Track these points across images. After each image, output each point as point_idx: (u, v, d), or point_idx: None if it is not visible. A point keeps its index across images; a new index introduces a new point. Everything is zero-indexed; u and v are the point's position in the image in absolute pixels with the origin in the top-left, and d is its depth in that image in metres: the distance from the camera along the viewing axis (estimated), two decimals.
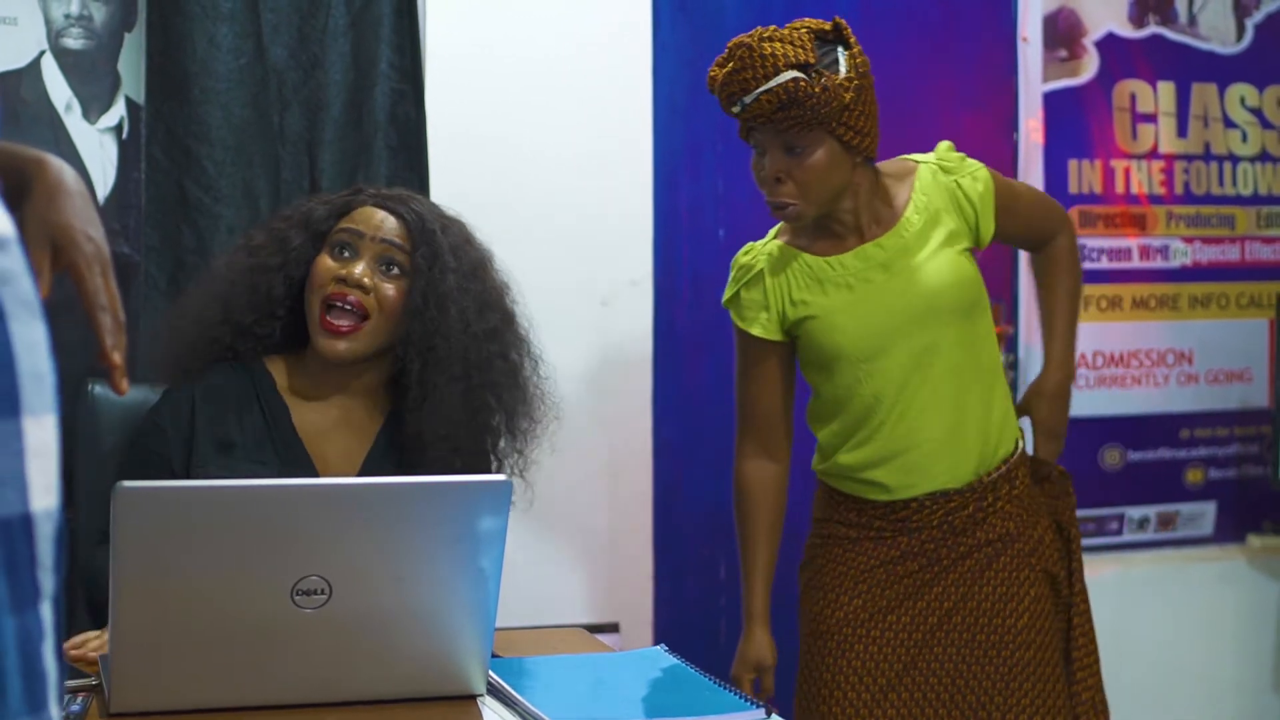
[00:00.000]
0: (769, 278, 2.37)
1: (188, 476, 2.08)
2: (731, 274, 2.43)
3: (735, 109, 2.27)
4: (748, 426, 2.50)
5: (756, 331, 2.39)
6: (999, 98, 3.31)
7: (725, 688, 1.74)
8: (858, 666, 2.36)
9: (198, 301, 2.21)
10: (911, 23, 3.47)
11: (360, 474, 2.15)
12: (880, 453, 2.36)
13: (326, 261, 2.14)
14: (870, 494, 2.40)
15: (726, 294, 2.43)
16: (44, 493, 0.85)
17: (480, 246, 2.25)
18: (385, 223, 2.16)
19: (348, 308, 2.11)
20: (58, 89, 2.76)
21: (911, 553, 2.38)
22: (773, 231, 2.44)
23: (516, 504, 2.23)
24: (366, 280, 2.11)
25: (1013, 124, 3.50)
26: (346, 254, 2.14)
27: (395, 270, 2.14)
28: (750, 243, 2.45)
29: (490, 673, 1.73)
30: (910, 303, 2.32)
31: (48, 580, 0.85)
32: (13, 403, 0.83)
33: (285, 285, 2.16)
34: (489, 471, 2.20)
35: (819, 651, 2.40)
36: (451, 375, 2.12)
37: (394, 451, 2.18)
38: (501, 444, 2.21)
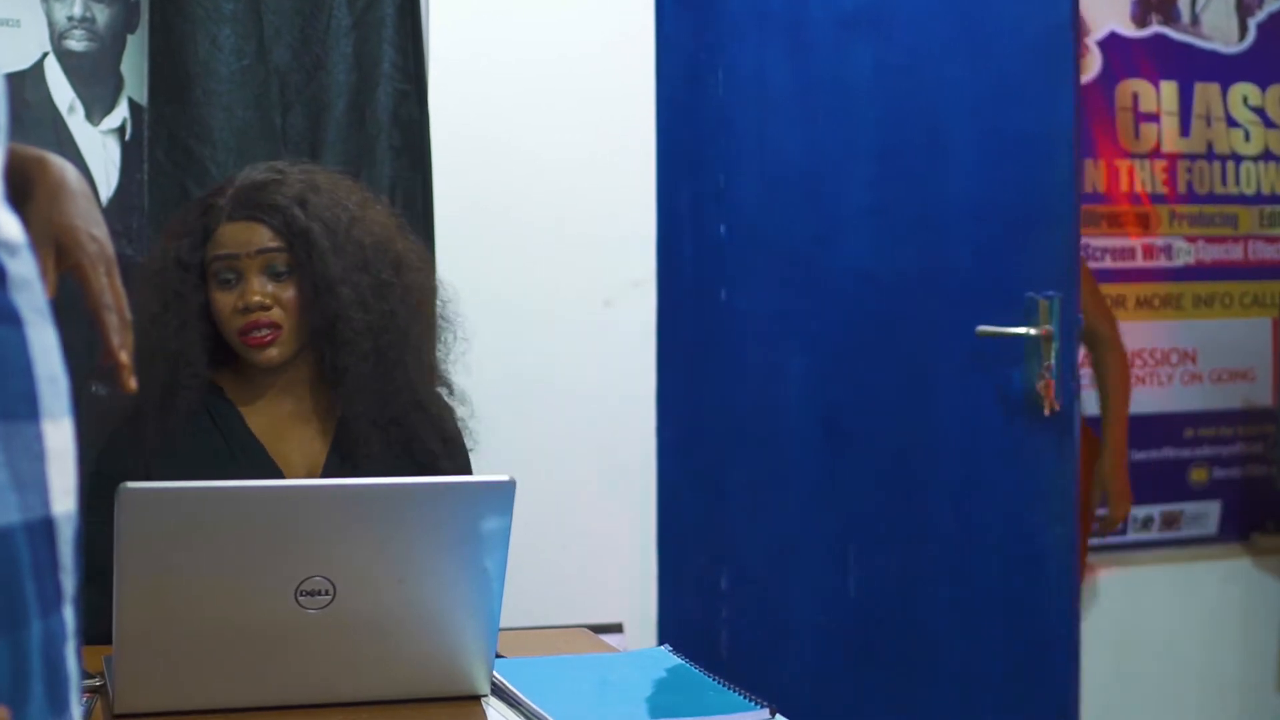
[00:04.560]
0: None
1: None
2: None
3: None
4: None
5: None
6: None
7: (729, 688, 1.74)
8: None
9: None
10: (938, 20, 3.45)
11: (325, 470, 2.15)
12: None
13: (219, 297, 2.11)
14: None
15: None
16: (64, 495, 0.85)
17: (351, 195, 2.20)
18: (254, 235, 2.11)
19: (262, 332, 2.10)
20: (60, 91, 2.76)
21: None
22: None
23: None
24: (266, 300, 2.10)
25: None
26: (232, 279, 2.11)
27: (284, 271, 2.12)
28: None
29: (494, 673, 1.73)
30: None
31: (69, 583, 0.85)
32: (32, 406, 0.83)
33: (199, 332, 2.13)
34: (424, 421, 2.19)
35: None
36: (360, 354, 2.11)
37: (350, 437, 2.17)
38: (421, 382, 2.20)
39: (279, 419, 2.18)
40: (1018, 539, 2.86)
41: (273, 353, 2.11)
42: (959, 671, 2.99)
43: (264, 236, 2.11)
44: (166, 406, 2.10)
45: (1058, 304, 2.71)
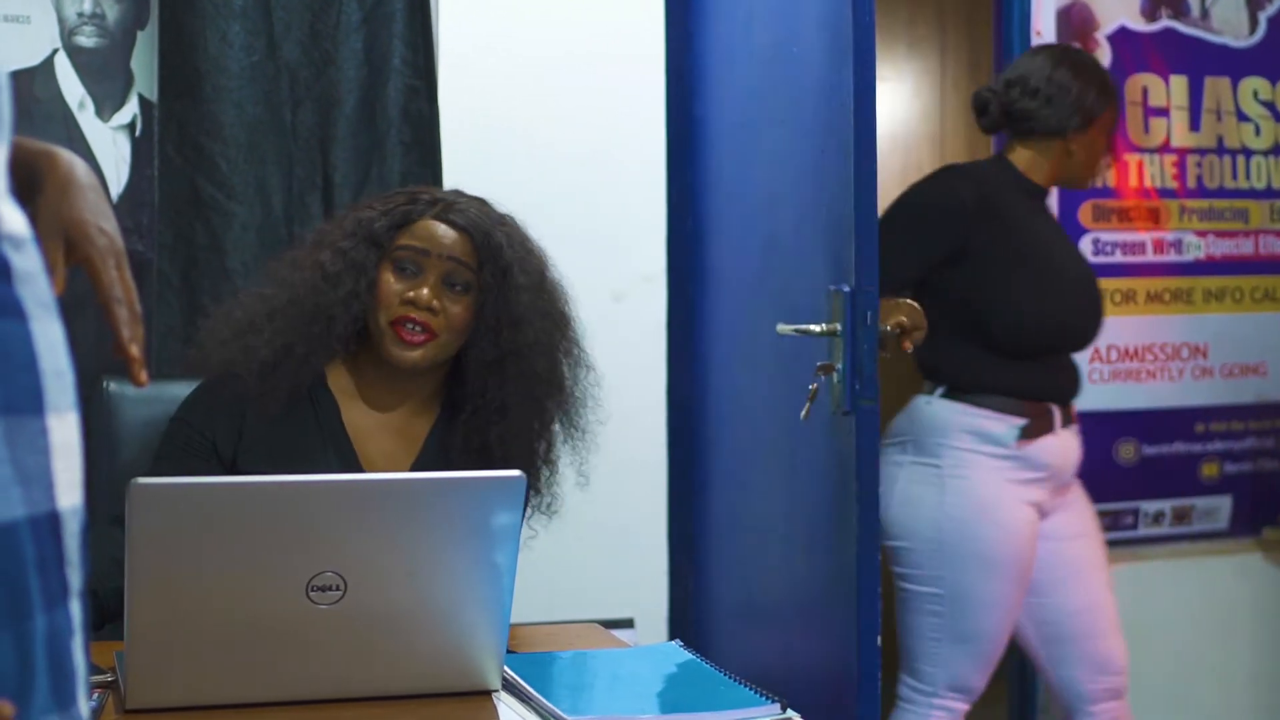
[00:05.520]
0: None
1: (233, 463, 2.09)
2: None
3: None
4: None
5: None
6: None
7: (741, 683, 1.74)
8: None
9: (267, 322, 2.12)
10: None
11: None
12: None
13: (391, 281, 2.10)
14: None
15: None
16: (70, 490, 0.85)
17: (537, 247, 2.20)
18: (449, 239, 2.10)
19: (417, 329, 2.08)
20: (71, 87, 2.76)
21: None
22: None
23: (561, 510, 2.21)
24: (435, 303, 2.08)
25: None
26: (410, 271, 2.10)
27: (460, 288, 2.10)
28: None
29: (505, 668, 1.73)
30: None
31: (75, 577, 0.85)
32: (37, 401, 0.83)
33: (359, 307, 2.12)
34: (542, 475, 2.19)
35: None
36: (525, 394, 2.11)
37: (443, 456, 2.17)
38: (555, 448, 2.20)
39: (373, 420, 2.17)
40: (825, 551, 2.63)
41: (416, 355, 2.09)
42: (794, 688, 2.77)
43: (461, 247, 2.10)
44: (302, 364, 2.10)
45: (844, 299, 2.47)
